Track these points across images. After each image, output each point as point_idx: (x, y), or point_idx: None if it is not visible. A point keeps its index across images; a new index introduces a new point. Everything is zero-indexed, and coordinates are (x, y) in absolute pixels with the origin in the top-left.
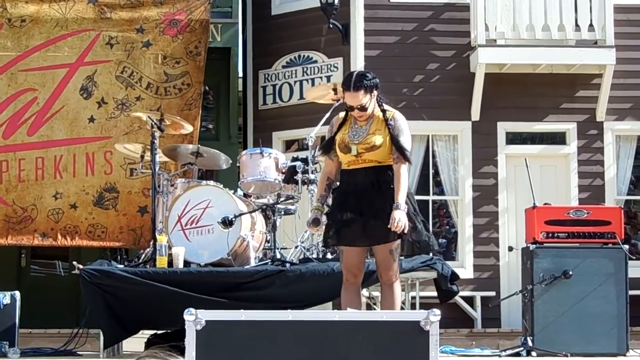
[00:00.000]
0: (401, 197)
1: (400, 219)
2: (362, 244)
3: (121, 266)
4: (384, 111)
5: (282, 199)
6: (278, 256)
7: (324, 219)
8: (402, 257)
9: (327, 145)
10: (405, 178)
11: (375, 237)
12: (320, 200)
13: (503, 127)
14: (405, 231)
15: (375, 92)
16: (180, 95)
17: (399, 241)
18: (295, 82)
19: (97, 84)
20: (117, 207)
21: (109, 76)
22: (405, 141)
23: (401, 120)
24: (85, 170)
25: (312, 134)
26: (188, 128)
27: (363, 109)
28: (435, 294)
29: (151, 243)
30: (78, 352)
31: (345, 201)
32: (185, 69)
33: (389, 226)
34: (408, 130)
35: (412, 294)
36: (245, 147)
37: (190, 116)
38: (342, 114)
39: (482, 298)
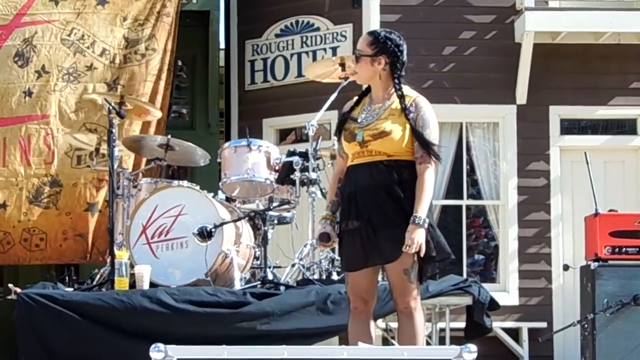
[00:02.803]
0: (422, 209)
1: (416, 239)
2: (368, 262)
3: (70, 289)
4: (401, 96)
5: (275, 205)
6: (270, 277)
7: (328, 233)
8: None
9: (339, 127)
10: (431, 184)
11: (384, 253)
12: (330, 207)
13: (557, 113)
14: (422, 254)
15: (386, 61)
16: (144, 62)
17: (415, 257)
18: (292, 55)
19: (37, 48)
20: (58, 204)
21: (53, 39)
22: (432, 135)
23: (426, 107)
24: (19, 158)
25: (314, 121)
26: (156, 113)
27: (357, 58)
28: None
29: (108, 260)
30: None
31: (348, 207)
32: (151, 31)
33: (405, 245)
34: (435, 120)
35: (441, 324)
36: (228, 139)
37: (156, 92)
38: (356, 98)
39: (530, 330)
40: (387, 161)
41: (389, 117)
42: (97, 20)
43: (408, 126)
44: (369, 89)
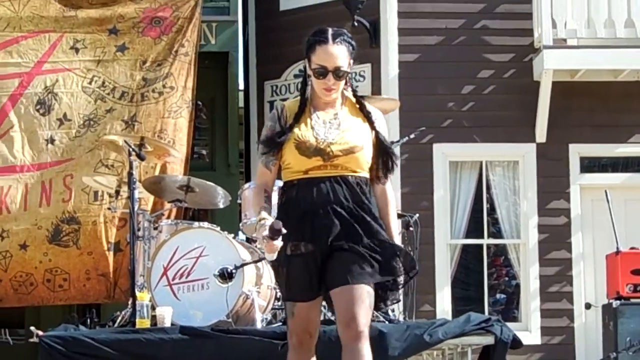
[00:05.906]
0: (396, 233)
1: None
2: (322, 290)
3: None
4: (359, 97)
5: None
6: None
7: (280, 224)
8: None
9: (276, 141)
10: (395, 203)
11: (338, 279)
12: (264, 210)
13: (576, 151)
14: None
15: (351, 64)
16: (162, 99)
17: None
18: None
19: (58, 96)
20: (78, 243)
21: (74, 87)
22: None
23: (381, 118)
24: (39, 201)
25: None
26: (176, 154)
27: (339, 75)
28: None
29: (130, 302)
30: None
31: (300, 227)
32: (168, 70)
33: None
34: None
35: None
36: (248, 179)
37: (174, 128)
38: (290, 103)
39: None
40: (352, 176)
41: (351, 129)
42: (117, 67)
43: (372, 139)
44: (304, 100)
